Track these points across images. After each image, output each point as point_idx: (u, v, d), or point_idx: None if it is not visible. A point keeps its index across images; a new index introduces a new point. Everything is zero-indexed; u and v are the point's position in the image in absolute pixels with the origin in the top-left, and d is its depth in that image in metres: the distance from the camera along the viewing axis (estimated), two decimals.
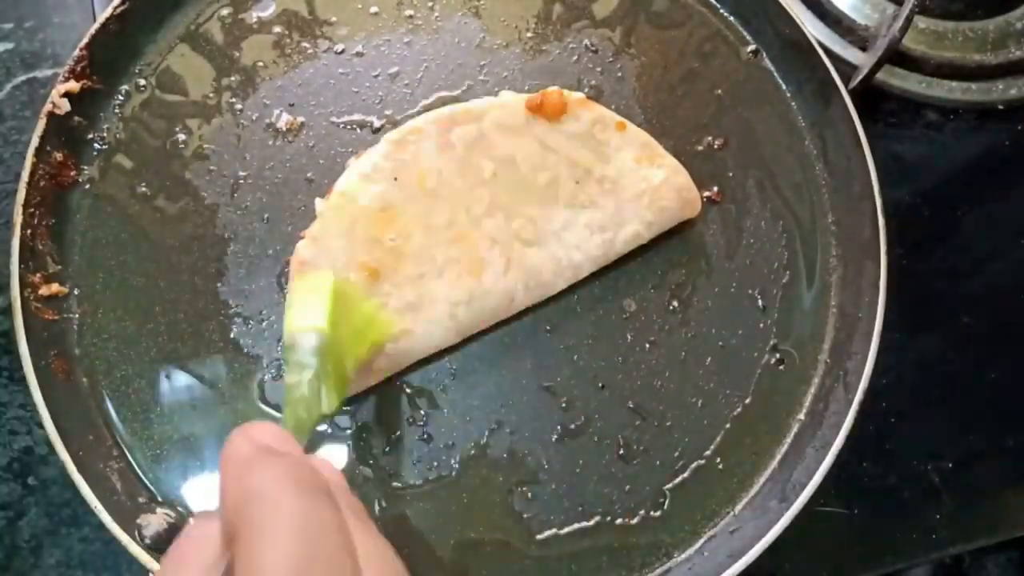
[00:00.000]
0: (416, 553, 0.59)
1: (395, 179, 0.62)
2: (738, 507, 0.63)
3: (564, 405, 0.64)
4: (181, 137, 0.68)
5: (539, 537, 0.60)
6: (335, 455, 0.61)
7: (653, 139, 0.66)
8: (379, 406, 0.63)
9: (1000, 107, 0.82)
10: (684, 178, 0.67)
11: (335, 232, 0.60)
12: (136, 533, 0.56)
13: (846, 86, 0.70)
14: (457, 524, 0.60)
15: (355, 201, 0.61)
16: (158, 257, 0.65)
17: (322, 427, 0.61)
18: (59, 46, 0.77)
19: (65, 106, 0.65)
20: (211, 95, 0.69)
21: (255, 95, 0.70)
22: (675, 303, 0.67)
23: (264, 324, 0.64)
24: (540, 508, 0.61)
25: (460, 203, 0.63)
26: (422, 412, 0.63)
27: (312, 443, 0.61)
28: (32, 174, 0.62)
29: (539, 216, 0.64)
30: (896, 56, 0.78)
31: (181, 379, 0.62)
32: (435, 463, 0.61)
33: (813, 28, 0.81)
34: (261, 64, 0.70)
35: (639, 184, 0.65)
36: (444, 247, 0.62)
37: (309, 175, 0.68)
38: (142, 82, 0.69)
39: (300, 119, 0.69)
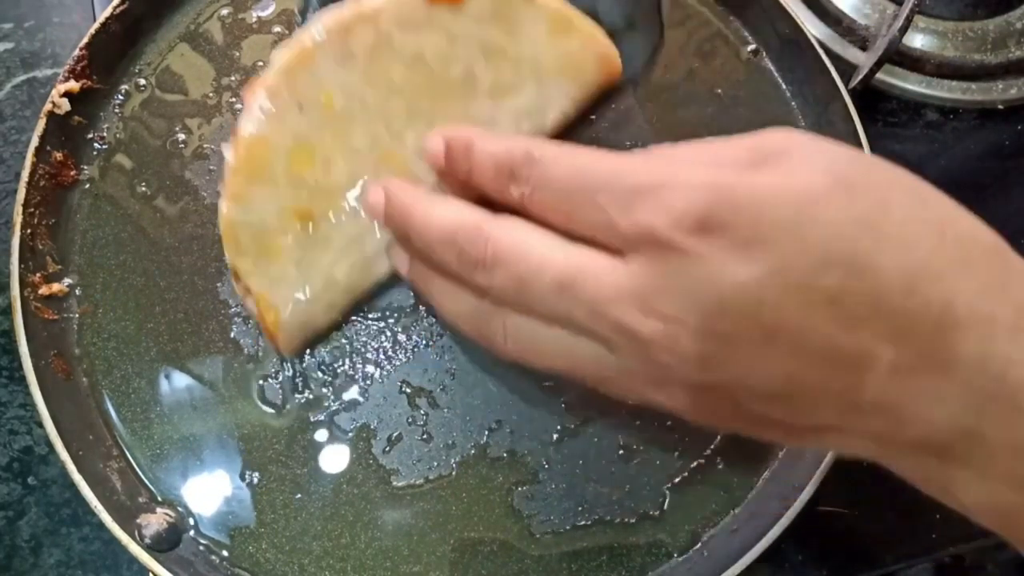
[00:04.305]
0: (416, 553, 0.59)
1: (300, 108, 0.55)
2: (738, 507, 0.63)
3: (564, 405, 0.64)
4: (181, 137, 0.68)
5: (539, 537, 0.60)
6: (335, 455, 0.61)
7: (564, 3, 0.61)
8: (379, 406, 0.63)
9: (1000, 107, 0.82)
10: (602, 41, 0.62)
11: (252, 182, 0.55)
12: (136, 533, 0.56)
13: (846, 86, 0.70)
14: (457, 524, 0.60)
15: (263, 143, 0.55)
16: (158, 257, 0.65)
17: (322, 428, 0.61)
18: (59, 46, 0.77)
19: (65, 106, 0.64)
20: (211, 95, 0.69)
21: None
22: None
23: None
24: (540, 508, 0.61)
25: (377, 119, 0.57)
26: (422, 412, 0.63)
27: (311, 443, 0.61)
28: (32, 174, 0.62)
29: (462, 114, 0.59)
30: (896, 56, 0.78)
31: (181, 379, 0.62)
32: (435, 463, 0.61)
33: (813, 28, 0.81)
34: (261, 64, 0.70)
35: (558, 58, 0.60)
36: (372, 170, 0.57)
37: None
38: (142, 82, 0.69)
39: None
